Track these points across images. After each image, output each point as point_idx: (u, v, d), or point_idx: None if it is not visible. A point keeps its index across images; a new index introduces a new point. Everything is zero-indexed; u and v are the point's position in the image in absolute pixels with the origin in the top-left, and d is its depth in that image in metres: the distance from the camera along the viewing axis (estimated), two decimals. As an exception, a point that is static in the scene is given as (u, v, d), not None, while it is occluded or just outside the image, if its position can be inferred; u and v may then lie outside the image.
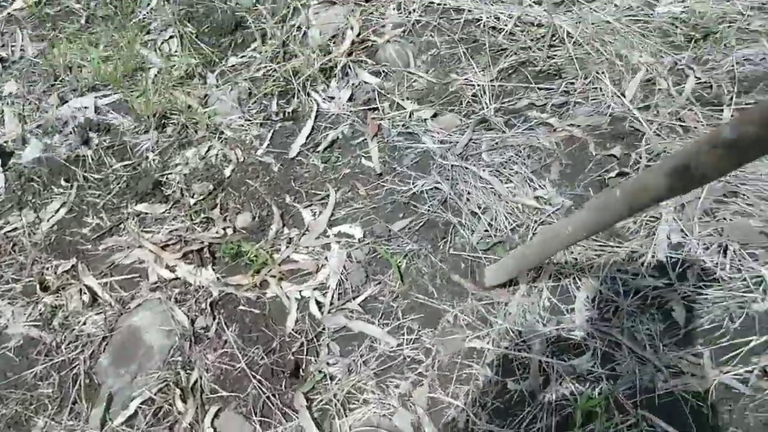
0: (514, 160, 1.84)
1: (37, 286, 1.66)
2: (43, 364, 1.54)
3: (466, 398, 1.41)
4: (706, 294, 1.46)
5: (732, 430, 1.30)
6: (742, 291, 1.46)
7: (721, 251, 1.52)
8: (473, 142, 1.92)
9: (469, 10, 2.34)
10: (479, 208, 1.74)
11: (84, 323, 1.60)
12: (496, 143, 1.90)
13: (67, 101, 2.16)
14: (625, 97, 1.95)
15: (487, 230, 1.70)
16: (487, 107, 1.99)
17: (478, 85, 2.05)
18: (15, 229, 1.80)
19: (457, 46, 2.22)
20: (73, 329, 1.59)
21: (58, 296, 1.65)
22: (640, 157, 1.78)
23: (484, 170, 1.82)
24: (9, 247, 1.75)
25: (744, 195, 1.62)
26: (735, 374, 1.36)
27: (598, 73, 2.02)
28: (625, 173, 1.75)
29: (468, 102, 2.04)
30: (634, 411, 1.31)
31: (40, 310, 1.63)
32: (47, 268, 1.71)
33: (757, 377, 1.34)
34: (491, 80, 2.07)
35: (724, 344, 1.41)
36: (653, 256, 1.55)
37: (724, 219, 1.58)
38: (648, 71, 2.01)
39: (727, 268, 1.50)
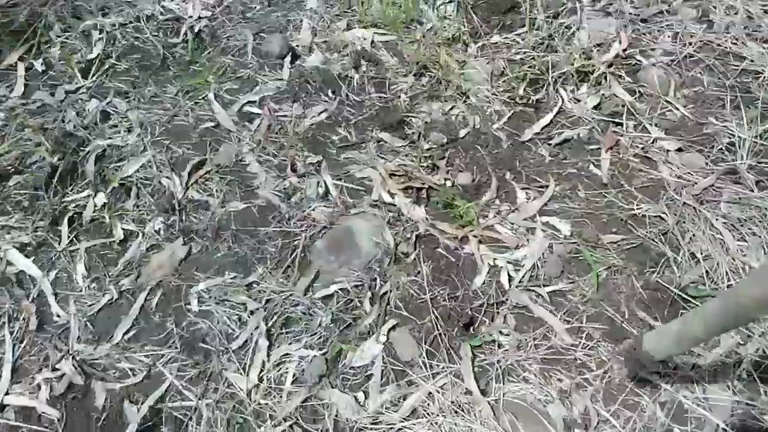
0: (756, 222, 1.61)
1: (289, 166, 1.84)
2: (274, 228, 1.70)
3: (626, 423, 1.30)
4: None
5: None
6: None
7: None
8: (714, 189, 1.71)
9: (751, 60, 2.07)
10: (701, 252, 1.55)
11: (314, 210, 1.73)
12: (740, 198, 1.67)
13: (352, 29, 2.33)
14: None
15: (701, 276, 1.51)
16: (742, 160, 1.75)
17: (739, 137, 1.81)
18: (285, 116, 2.00)
19: (725, 92, 1.98)
20: (305, 210, 1.73)
21: (301, 180, 1.81)
22: None
23: (717, 219, 1.62)
24: (277, 128, 1.95)
25: None
26: None
27: None
28: None
29: (721, 149, 1.81)
30: None
31: (285, 185, 1.80)
32: (299, 156, 1.87)
33: None
34: (755, 136, 1.81)
35: None
36: None
37: None
38: None
39: None
